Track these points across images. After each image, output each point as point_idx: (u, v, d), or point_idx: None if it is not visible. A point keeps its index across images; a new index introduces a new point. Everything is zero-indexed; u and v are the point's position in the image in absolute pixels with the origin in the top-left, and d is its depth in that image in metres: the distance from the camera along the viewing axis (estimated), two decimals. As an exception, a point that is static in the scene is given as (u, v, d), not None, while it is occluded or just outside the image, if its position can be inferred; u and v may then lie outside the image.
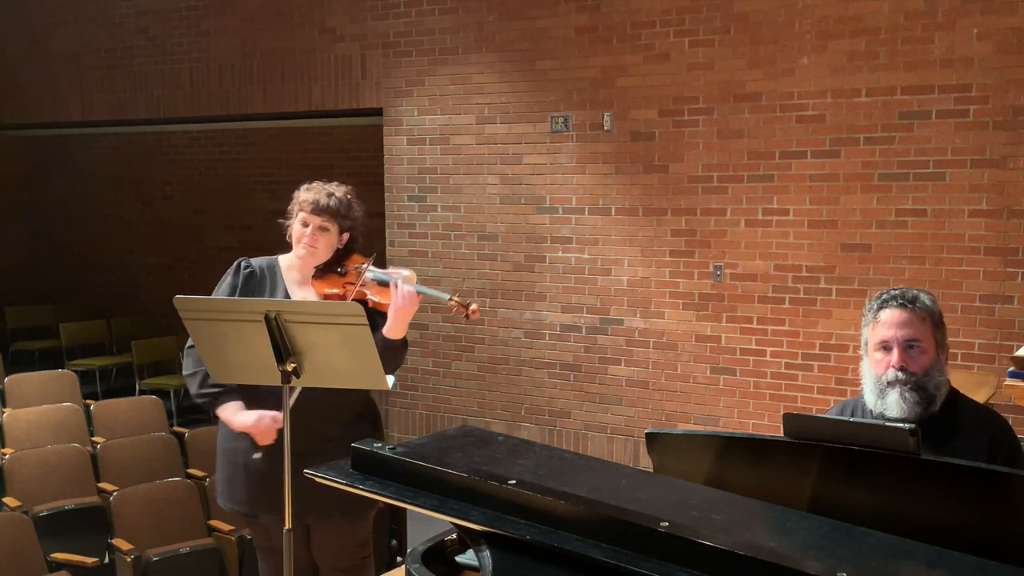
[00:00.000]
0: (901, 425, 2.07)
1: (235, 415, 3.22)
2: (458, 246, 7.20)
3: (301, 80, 7.89)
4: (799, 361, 5.97)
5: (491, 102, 6.96)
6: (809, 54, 5.79)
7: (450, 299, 3.15)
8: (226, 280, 3.36)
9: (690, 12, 6.14)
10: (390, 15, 7.35)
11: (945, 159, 5.48)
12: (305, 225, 3.30)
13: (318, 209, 3.28)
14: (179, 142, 10.64)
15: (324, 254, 3.33)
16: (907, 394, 2.49)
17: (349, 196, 3.38)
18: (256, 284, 3.33)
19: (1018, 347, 4.00)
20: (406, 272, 3.30)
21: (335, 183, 3.42)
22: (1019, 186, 5.33)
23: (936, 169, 5.51)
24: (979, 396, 3.83)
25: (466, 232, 7.16)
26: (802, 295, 5.93)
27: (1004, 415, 2.75)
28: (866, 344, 2.64)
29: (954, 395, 2.59)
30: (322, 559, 3.40)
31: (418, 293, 3.14)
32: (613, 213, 6.53)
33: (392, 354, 3.20)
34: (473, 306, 3.14)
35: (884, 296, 2.61)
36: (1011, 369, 3.48)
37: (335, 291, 3.25)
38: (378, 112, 7.50)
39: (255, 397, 3.22)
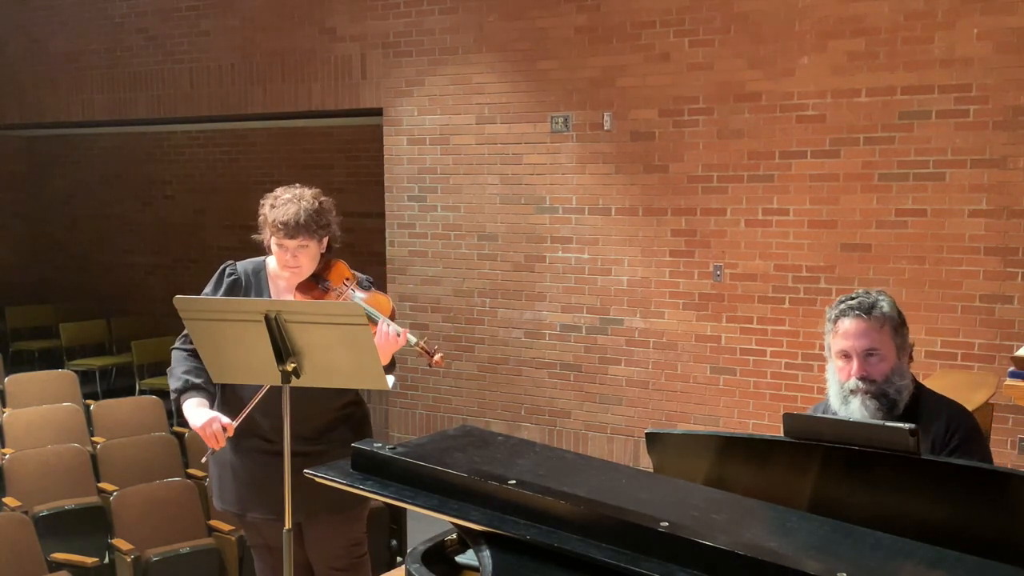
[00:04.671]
0: (901, 425, 2.07)
1: (192, 412, 3.14)
2: (458, 246, 7.20)
3: (301, 80, 7.89)
4: (799, 361, 5.96)
5: (491, 102, 6.95)
6: (809, 54, 5.79)
7: (417, 343, 3.12)
8: (208, 288, 3.32)
9: (690, 12, 6.13)
10: (390, 15, 7.35)
11: (945, 159, 5.48)
12: (282, 247, 3.20)
13: (291, 232, 3.14)
14: (179, 142, 10.64)
15: (310, 268, 3.27)
16: (868, 402, 2.56)
17: (319, 202, 3.23)
18: (239, 292, 3.28)
19: (1018, 347, 4.00)
20: (371, 297, 3.25)
21: (297, 186, 3.26)
22: (1019, 186, 5.33)
23: (936, 169, 5.51)
24: (979, 396, 3.82)
25: (466, 232, 7.16)
26: (802, 295, 5.93)
27: (1004, 415, 2.75)
28: (829, 350, 2.68)
29: (918, 392, 2.64)
30: (316, 559, 3.41)
31: (398, 334, 3.09)
32: (613, 213, 6.53)
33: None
34: (437, 356, 3.14)
35: (842, 305, 2.64)
36: (1011, 369, 3.48)
37: None
38: (378, 112, 7.50)
39: (239, 399, 3.21)
